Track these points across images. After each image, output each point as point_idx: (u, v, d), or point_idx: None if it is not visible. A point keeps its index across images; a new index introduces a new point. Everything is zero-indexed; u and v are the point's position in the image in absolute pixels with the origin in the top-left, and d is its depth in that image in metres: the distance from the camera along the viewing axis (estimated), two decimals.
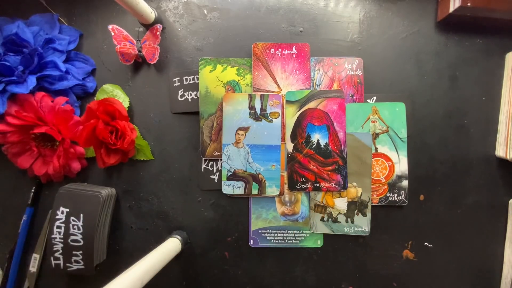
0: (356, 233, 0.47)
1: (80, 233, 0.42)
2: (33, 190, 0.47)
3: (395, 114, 0.47)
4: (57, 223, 0.42)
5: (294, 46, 0.47)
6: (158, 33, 0.45)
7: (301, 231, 0.47)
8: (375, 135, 0.47)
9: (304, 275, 0.48)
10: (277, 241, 0.47)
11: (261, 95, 0.46)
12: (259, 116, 0.46)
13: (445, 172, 0.47)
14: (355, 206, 0.47)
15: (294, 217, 0.47)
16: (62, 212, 0.42)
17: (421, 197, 0.47)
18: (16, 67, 0.42)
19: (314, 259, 0.48)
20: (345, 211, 0.47)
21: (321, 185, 0.46)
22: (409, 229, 0.48)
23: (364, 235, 0.47)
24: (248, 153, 0.46)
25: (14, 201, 0.47)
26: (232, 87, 0.47)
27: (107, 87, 0.47)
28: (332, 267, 0.48)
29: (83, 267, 0.42)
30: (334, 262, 0.48)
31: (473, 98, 0.47)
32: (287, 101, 0.47)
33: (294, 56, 0.47)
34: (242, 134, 0.46)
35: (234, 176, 0.46)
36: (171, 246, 0.42)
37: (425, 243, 0.48)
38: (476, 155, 0.47)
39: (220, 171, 0.47)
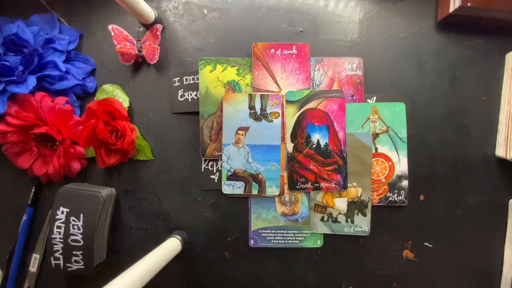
0: (356, 233, 0.47)
1: (80, 233, 0.42)
2: (33, 190, 0.47)
3: (395, 114, 0.47)
4: (57, 223, 0.42)
5: (294, 46, 0.47)
6: (158, 33, 0.45)
7: (301, 231, 0.47)
8: (375, 135, 0.47)
9: (304, 275, 0.48)
10: (277, 241, 0.47)
11: (261, 95, 0.46)
12: (259, 116, 0.46)
13: (445, 172, 0.47)
14: (355, 206, 0.47)
15: (294, 217, 0.47)
16: (62, 212, 0.42)
17: (421, 197, 0.47)
18: (16, 67, 0.42)
19: (314, 259, 0.48)
20: (345, 211, 0.47)
21: (321, 185, 0.46)
22: (409, 229, 0.48)
23: (364, 235, 0.47)
24: (248, 153, 0.46)
25: (14, 201, 0.47)
26: (232, 87, 0.47)
27: (107, 87, 0.47)
28: (332, 267, 0.48)
29: (83, 267, 0.42)
30: (334, 262, 0.48)
31: (473, 98, 0.47)
32: (287, 101, 0.47)
33: (294, 56, 0.47)
34: (242, 134, 0.46)
35: (234, 176, 0.46)
36: (171, 246, 0.42)
37: (425, 243, 0.48)
38: (476, 155, 0.47)
39: (220, 171, 0.47)
